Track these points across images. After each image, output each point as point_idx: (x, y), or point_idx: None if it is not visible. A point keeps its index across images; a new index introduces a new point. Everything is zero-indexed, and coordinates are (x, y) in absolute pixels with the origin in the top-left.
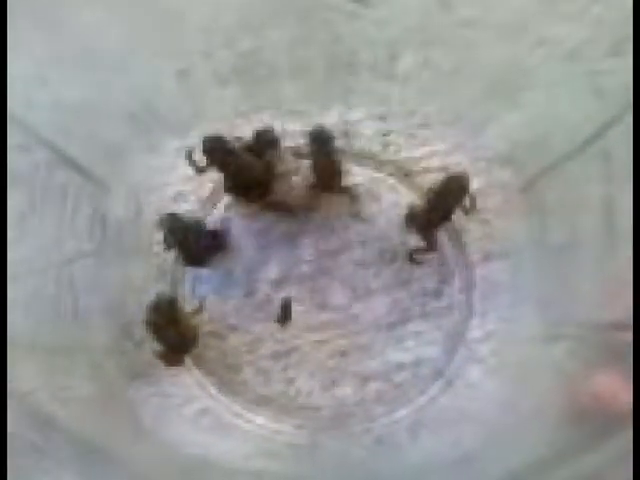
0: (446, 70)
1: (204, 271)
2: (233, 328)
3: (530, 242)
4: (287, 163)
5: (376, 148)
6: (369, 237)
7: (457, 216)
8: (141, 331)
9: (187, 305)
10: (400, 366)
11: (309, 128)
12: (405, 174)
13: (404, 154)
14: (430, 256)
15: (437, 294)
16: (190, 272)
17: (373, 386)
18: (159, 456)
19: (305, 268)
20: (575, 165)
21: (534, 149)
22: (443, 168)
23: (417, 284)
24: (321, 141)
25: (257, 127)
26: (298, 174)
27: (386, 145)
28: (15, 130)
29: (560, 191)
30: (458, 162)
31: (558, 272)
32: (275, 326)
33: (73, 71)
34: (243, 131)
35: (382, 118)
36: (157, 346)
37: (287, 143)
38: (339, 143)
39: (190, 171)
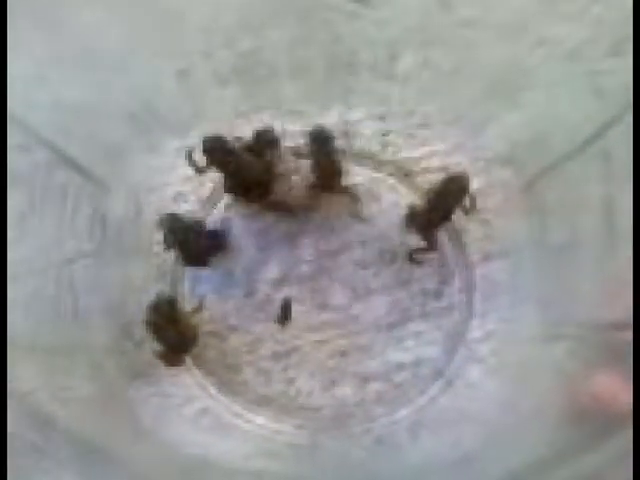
0: (446, 70)
1: (204, 271)
2: (233, 328)
3: (530, 242)
4: (287, 163)
5: (375, 148)
6: (369, 237)
7: (457, 216)
8: (141, 331)
9: (187, 305)
10: (400, 366)
11: (309, 128)
12: (405, 174)
13: (403, 154)
14: (430, 256)
15: (437, 294)
16: (190, 272)
17: (373, 386)
18: (159, 456)
19: (305, 268)
20: (575, 165)
21: (534, 149)
22: (443, 168)
23: (417, 284)
24: (321, 141)
25: (257, 127)
26: (298, 174)
27: (385, 145)
28: (15, 130)
29: (560, 191)
30: (458, 162)
31: (558, 272)
32: (275, 326)
33: (73, 71)
34: (243, 131)
35: (381, 118)
36: (157, 346)
37: (287, 143)
38: (339, 143)
39: (190, 171)
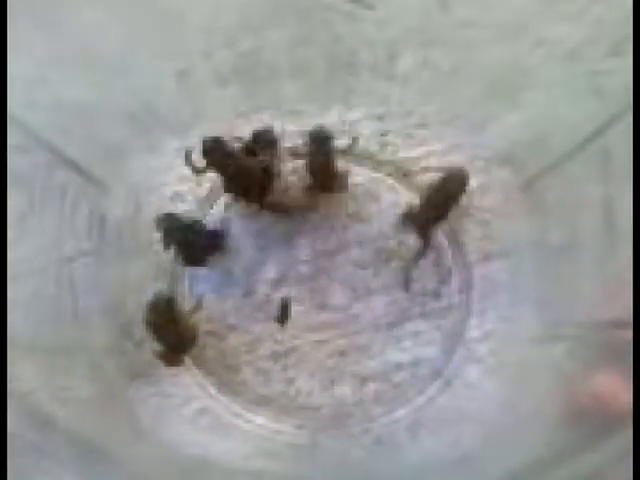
0: (446, 70)
1: (203, 271)
2: (232, 328)
3: (529, 242)
4: (286, 163)
5: (374, 148)
6: (368, 237)
7: (457, 216)
8: (141, 331)
9: (186, 304)
10: (399, 366)
11: (308, 128)
12: (404, 174)
13: (402, 154)
14: (427, 258)
15: (436, 294)
16: (189, 271)
17: (372, 386)
18: (159, 456)
19: (304, 268)
20: (575, 165)
21: (534, 149)
22: (442, 168)
23: (416, 284)
24: (320, 141)
25: (257, 127)
26: (296, 174)
27: (384, 145)
28: (15, 130)
29: (560, 191)
30: (456, 162)
31: (557, 272)
32: (274, 326)
33: (73, 71)
34: (243, 131)
35: (380, 118)
36: (156, 346)
37: (287, 143)
38: (342, 145)
39: (189, 171)
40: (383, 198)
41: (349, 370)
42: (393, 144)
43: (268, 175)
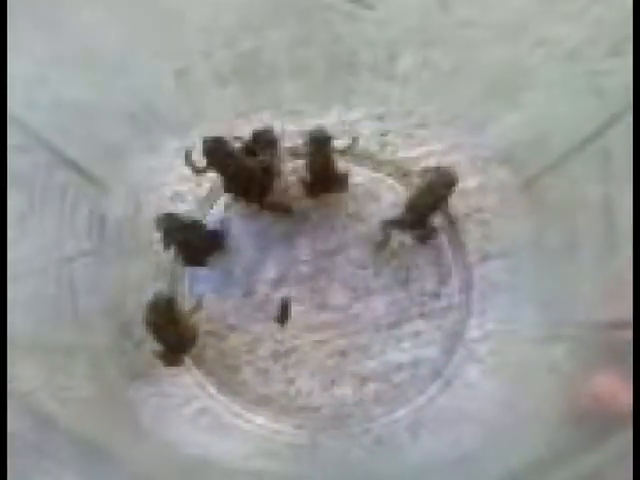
0: (446, 70)
1: (203, 271)
2: (232, 328)
3: (529, 242)
4: (286, 163)
5: (374, 148)
6: (368, 237)
7: (456, 216)
8: (141, 331)
9: (186, 304)
10: (399, 366)
11: (308, 128)
12: (404, 174)
13: (402, 154)
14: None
15: (436, 294)
16: (189, 271)
17: (372, 386)
18: (159, 456)
19: (304, 268)
20: (575, 165)
21: (534, 149)
22: (430, 168)
23: (416, 284)
24: (320, 142)
25: (257, 127)
26: (296, 174)
27: (384, 145)
28: (15, 130)
29: (560, 191)
30: (456, 162)
31: (558, 272)
32: (275, 326)
33: (73, 71)
34: (243, 131)
35: (380, 118)
36: (156, 346)
37: (287, 143)
38: (342, 145)
39: (189, 171)
40: (383, 198)
41: (349, 370)
42: (393, 144)
43: (268, 175)
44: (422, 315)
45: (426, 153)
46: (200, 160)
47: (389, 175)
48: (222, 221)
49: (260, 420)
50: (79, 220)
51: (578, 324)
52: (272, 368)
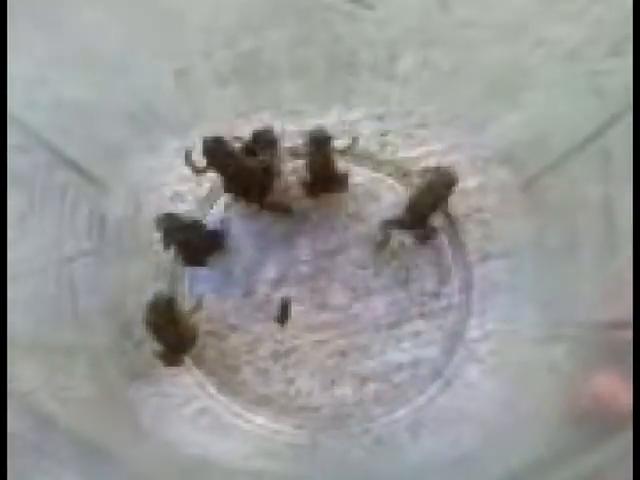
0: (446, 70)
1: (203, 271)
2: (233, 328)
3: (529, 242)
4: (286, 163)
5: (374, 148)
6: (368, 237)
7: (456, 216)
8: (141, 331)
9: (186, 304)
10: (399, 366)
11: (309, 128)
12: (404, 174)
13: (402, 154)
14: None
15: (436, 294)
16: (189, 271)
17: (372, 386)
18: (159, 456)
19: (304, 268)
20: (575, 165)
21: (534, 149)
22: (429, 168)
23: (416, 284)
24: (320, 142)
25: (257, 127)
26: (296, 174)
27: (384, 145)
28: (15, 130)
29: (560, 191)
30: (457, 162)
31: (558, 272)
32: (275, 326)
33: (73, 71)
34: (243, 131)
35: (380, 118)
36: (156, 346)
37: (287, 143)
38: (342, 145)
39: (189, 171)
40: (383, 198)
41: (349, 370)
42: (393, 144)
43: (268, 175)
44: (422, 315)
45: (426, 153)
46: (200, 160)
47: (389, 175)
48: (222, 221)
49: (260, 420)
50: (79, 220)
51: (578, 324)
52: (272, 368)
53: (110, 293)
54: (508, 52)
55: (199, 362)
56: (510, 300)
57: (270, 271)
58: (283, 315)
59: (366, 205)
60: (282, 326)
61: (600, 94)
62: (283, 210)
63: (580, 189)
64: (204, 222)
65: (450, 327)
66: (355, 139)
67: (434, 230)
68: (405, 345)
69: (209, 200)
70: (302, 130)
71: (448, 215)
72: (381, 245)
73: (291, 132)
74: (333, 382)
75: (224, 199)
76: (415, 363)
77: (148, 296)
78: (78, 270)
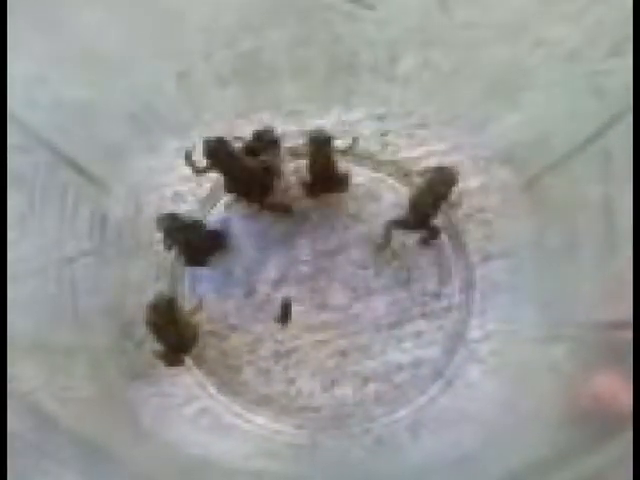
0: (446, 70)
1: (204, 271)
2: (233, 328)
3: (530, 242)
4: (287, 163)
5: (374, 148)
6: (369, 237)
7: (457, 217)
8: (141, 331)
9: (187, 304)
10: (400, 366)
11: (309, 128)
12: (404, 174)
13: (402, 154)
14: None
15: (437, 294)
16: (190, 271)
17: (373, 386)
18: (159, 456)
19: (305, 268)
20: (575, 165)
21: (534, 149)
22: (430, 168)
23: (417, 284)
24: (320, 142)
25: (257, 127)
26: (296, 174)
27: (385, 145)
28: (15, 130)
29: (560, 191)
30: (457, 162)
31: (558, 272)
32: (275, 326)
33: (73, 71)
34: (243, 131)
35: (380, 118)
36: (157, 346)
37: (287, 143)
38: (343, 145)
39: (189, 171)
40: (384, 198)
41: (350, 370)
42: (394, 144)
43: (269, 175)
44: (423, 315)
45: (427, 153)
46: (200, 160)
47: (389, 175)
48: (223, 221)
49: (260, 420)
50: (79, 220)
51: (578, 324)
52: (273, 368)
53: (110, 293)
54: (508, 52)
55: (199, 362)
56: (511, 300)
57: (271, 271)
58: (284, 315)
59: (367, 205)
60: (283, 326)
61: (600, 94)
62: (284, 210)
63: (580, 189)
64: (205, 222)
65: (451, 327)
66: (355, 139)
67: (437, 231)
68: (406, 345)
69: (210, 200)
70: (302, 130)
71: (449, 215)
72: (382, 246)
73: (291, 132)
74: (334, 382)
75: (225, 199)
76: (416, 363)
77: (149, 296)
78: (78, 270)
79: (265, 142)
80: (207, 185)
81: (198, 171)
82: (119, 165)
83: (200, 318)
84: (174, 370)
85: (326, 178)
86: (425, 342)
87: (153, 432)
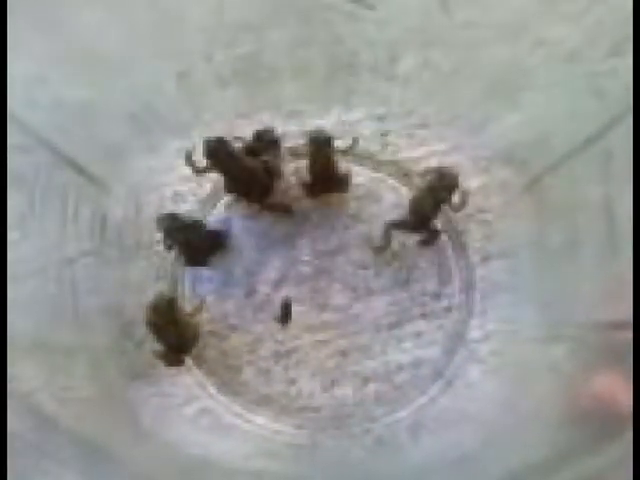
0: (446, 70)
1: (204, 271)
2: (234, 328)
3: (530, 242)
4: (287, 163)
5: (375, 148)
6: (369, 237)
7: (457, 217)
8: (141, 331)
9: (187, 304)
10: (400, 366)
11: (309, 129)
12: (404, 174)
13: (403, 154)
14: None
15: (437, 295)
16: (190, 272)
17: (373, 387)
18: (159, 456)
19: (305, 268)
20: (576, 165)
21: (535, 149)
22: (431, 169)
23: (417, 285)
24: (320, 143)
25: (258, 127)
26: (296, 174)
27: (385, 145)
28: (15, 130)
29: (561, 191)
30: (457, 162)
31: (558, 272)
32: (276, 326)
33: (73, 71)
34: (243, 132)
35: (381, 118)
36: (157, 346)
37: (287, 144)
38: (343, 145)
39: (189, 171)
40: (384, 198)
41: (350, 370)
42: (394, 144)
43: (270, 175)
44: (423, 315)
45: (427, 153)
46: (201, 160)
47: (390, 175)
48: (223, 221)
49: (260, 420)
50: (80, 220)
51: (578, 324)
52: (273, 368)
53: (111, 293)
54: (508, 52)
55: (200, 362)
56: (511, 300)
57: (271, 271)
58: (284, 315)
59: (367, 205)
60: (283, 326)
61: (600, 95)
62: (284, 210)
63: (581, 189)
64: (205, 222)
65: (451, 327)
66: (355, 139)
67: (437, 233)
68: (406, 345)
69: (210, 200)
70: (303, 130)
71: (449, 217)
72: (382, 248)
73: (292, 132)
74: (334, 382)
75: (225, 199)
76: (416, 363)
77: (149, 296)
78: (79, 270)
79: (265, 142)
80: (207, 185)
81: (198, 171)
82: (119, 165)
83: (200, 318)
84: (174, 370)
85: (326, 178)
86: (425, 342)
87: (153, 432)
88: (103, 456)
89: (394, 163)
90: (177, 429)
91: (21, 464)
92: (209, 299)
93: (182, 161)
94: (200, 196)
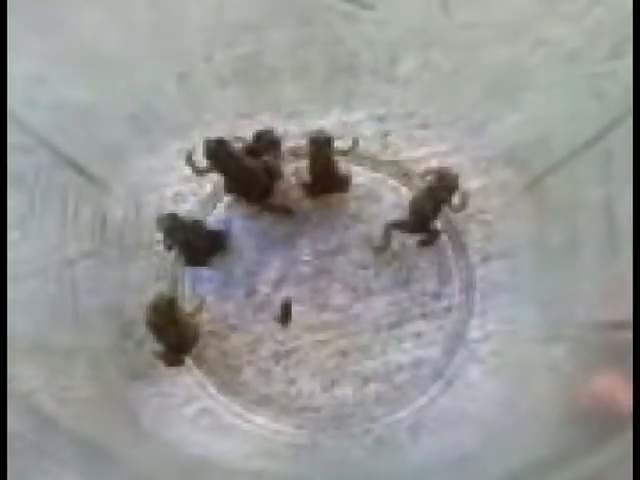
0: (446, 71)
1: (204, 271)
2: (234, 328)
3: (530, 242)
4: (287, 164)
5: (375, 149)
6: (369, 237)
7: (457, 217)
8: (141, 331)
9: (187, 304)
10: (400, 366)
11: (309, 129)
12: (405, 175)
13: (404, 155)
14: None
15: (437, 295)
16: (190, 272)
17: (373, 387)
18: (159, 456)
19: (305, 268)
20: (576, 166)
21: (535, 150)
22: (431, 170)
23: (417, 285)
24: (320, 143)
25: (258, 128)
26: (298, 175)
27: (385, 146)
28: (15, 130)
29: (561, 192)
30: (458, 163)
31: (558, 273)
32: (276, 326)
33: (73, 71)
34: (244, 132)
35: (381, 119)
36: (157, 346)
37: (288, 144)
38: (343, 146)
39: (190, 172)
40: (385, 199)
41: (350, 370)
42: (394, 145)
43: (270, 176)
44: (423, 315)
45: (428, 154)
46: (201, 161)
47: (390, 176)
48: (223, 221)
49: (260, 420)
50: (80, 221)
51: (578, 324)
52: (273, 368)
53: (111, 293)
54: (508, 52)
55: (199, 362)
56: (511, 300)
57: (271, 271)
58: (284, 315)
59: (367, 206)
60: (283, 326)
61: (600, 96)
62: (284, 211)
63: (581, 190)
64: (205, 222)
65: (451, 327)
66: (356, 140)
67: (437, 233)
68: (406, 345)
69: (210, 201)
70: (303, 131)
71: (449, 217)
72: (382, 247)
73: (292, 133)
74: (334, 382)
75: (225, 200)
76: (416, 363)
77: (149, 296)
78: (79, 270)
79: (266, 143)
80: (207, 186)
81: (198, 171)
82: (119, 165)
83: (200, 318)
84: (174, 370)
85: (326, 179)
86: (425, 342)
87: (153, 432)
88: (103, 456)
89: (394, 163)
90: (177, 429)
91: (21, 464)
92: (209, 299)
93: (182, 161)
94: (200, 196)
